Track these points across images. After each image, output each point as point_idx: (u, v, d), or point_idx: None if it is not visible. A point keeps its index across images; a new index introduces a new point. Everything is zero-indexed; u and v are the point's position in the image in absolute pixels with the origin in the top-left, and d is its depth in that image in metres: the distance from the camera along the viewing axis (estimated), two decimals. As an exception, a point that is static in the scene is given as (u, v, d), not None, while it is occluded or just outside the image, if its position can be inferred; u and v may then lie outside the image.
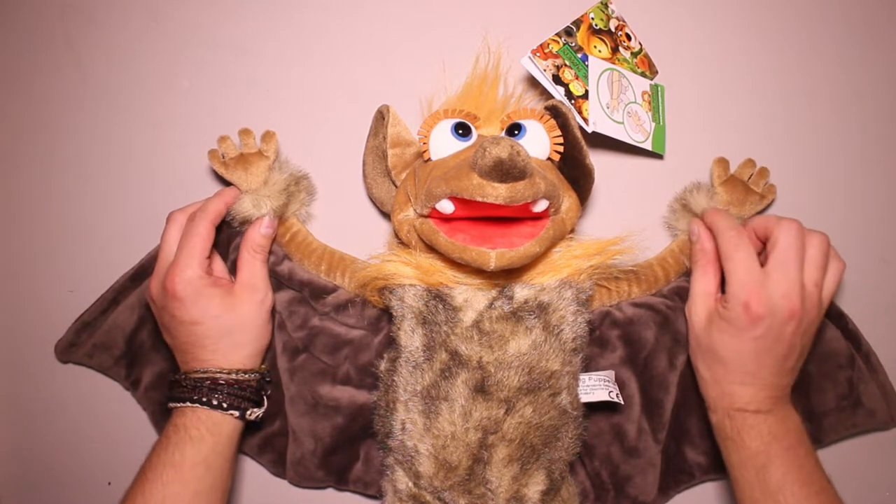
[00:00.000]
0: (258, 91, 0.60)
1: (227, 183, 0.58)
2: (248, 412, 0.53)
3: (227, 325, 0.52)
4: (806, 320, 0.50)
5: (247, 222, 0.56)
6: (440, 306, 0.51)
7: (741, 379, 0.50)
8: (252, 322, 0.54)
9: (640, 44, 0.60)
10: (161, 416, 0.59)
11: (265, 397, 0.56)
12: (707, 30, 0.61)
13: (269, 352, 0.57)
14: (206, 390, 0.51)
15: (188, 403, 0.51)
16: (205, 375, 0.52)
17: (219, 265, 0.56)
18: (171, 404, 0.52)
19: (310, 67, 0.60)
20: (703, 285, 0.54)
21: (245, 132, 0.58)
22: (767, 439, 0.49)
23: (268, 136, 0.58)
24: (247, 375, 0.53)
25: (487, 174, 0.44)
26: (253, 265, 0.55)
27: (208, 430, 0.51)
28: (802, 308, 0.49)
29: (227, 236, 0.58)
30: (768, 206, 0.60)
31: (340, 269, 0.57)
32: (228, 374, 0.52)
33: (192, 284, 0.51)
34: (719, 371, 0.51)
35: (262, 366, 0.56)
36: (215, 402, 0.51)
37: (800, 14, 0.61)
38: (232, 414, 0.52)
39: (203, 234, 0.53)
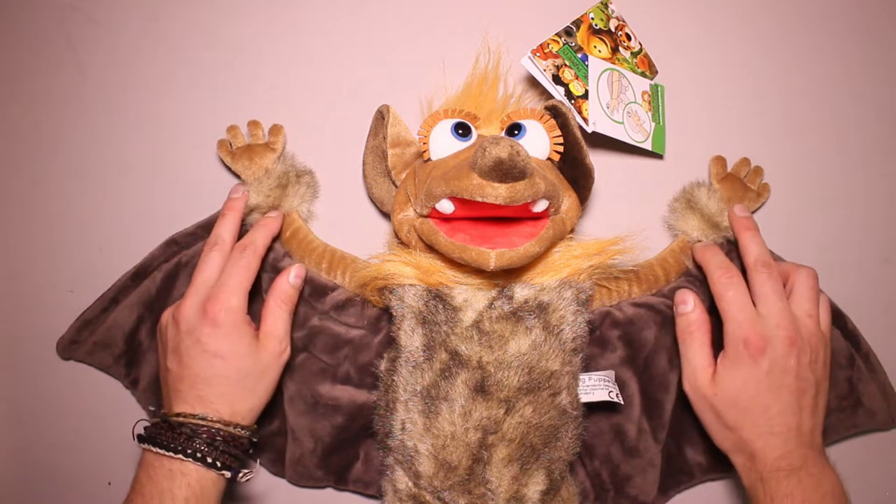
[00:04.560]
0: (258, 91, 0.60)
1: (231, 172, 0.59)
2: (241, 474, 0.49)
3: (246, 368, 0.50)
4: (809, 350, 0.50)
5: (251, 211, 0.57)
6: (440, 306, 0.51)
7: (768, 427, 0.49)
8: (268, 373, 0.51)
9: (640, 44, 0.60)
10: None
11: (251, 459, 0.52)
12: (707, 30, 0.61)
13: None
14: (201, 443, 0.47)
15: (179, 455, 0.46)
16: (203, 423, 0.48)
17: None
18: (155, 448, 0.47)
19: (310, 67, 0.60)
20: (703, 358, 0.51)
21: (254, 123, 0.59)
22: None
23: (276, 128, 0.59)
24: (243, 431, 0.50)
25: (487, 174, 0.44)
26: (279, 315, 0.52)
27: (190, 487, 0.46)
28: (799, 336, 0.49)
29: None
30: (763, 203, 0.60)
31: (341, 268, 0.57)
32: (227, 426, 0.48)
33: (233, 314, 0.49)
34: (745, 425, 0.49)
35: (255, 425, 0.52)
36: (210, 460, 0.47)
37: (800, 14, 0.61)
38: (224, 474, 0.48)
39: (253, 268, 0.52)
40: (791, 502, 0.47)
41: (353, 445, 0.58)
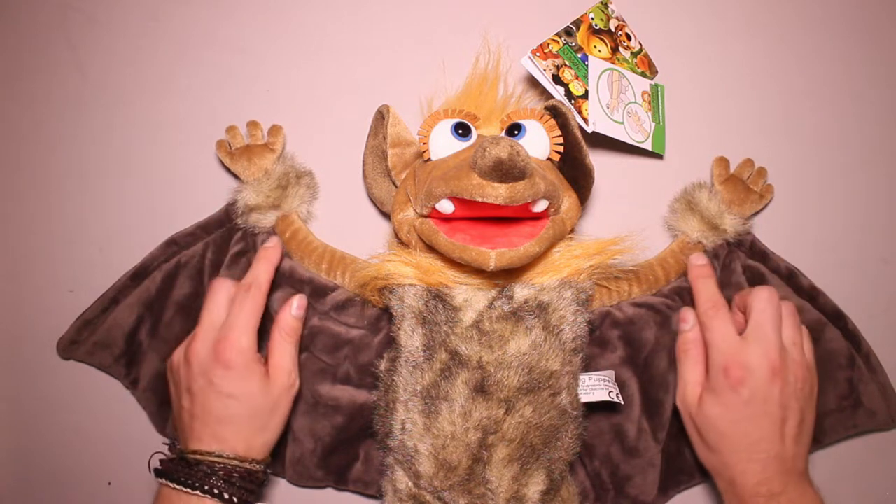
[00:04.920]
0: (258, 91, 0.60)
1: (230, 173, 0.59)
2: None
3: (259, 405, 0.51)
4: (793, 379, 0.50)
5: (251, 212, 0.57)
6: (440, 306, 0.51)
7: (747, 454, 0.49)
8: (279, 407, 0.52)
9: (640, 44, 0.60)
10: (160, 416, 0.59)
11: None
12: (707, 30, 0.61)
13: None
14: (219, 480, 0.48)
15: (197, 492, 0.47)
16: (220, 461, 0.49)
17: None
18: (172, 484, 0.48)
19: (310, 67, 0.60)
20: (694, 375, 0.53)
21: (253, 124, 0.59)
22: None
23: (275, 129, 0.59)
24: (259, 466, 0.51)
25: (487, 174, 0.44)
26: (285, 349, 0.53)
27: None
28: (783, 365, 0.49)
29: (227, 231, 0.58)
30: (766, 205, 0.60)
31: (341, 269, 0.57)
32: (242, 462, 0.50)
33: (244, 355, 0.50)
34: (724, 449, 0.50)
35: (269, 457, 0.53)
36: (227, 496, 0.48)
37: (800, 14, 0.61)
38: None
39: (260, 305, 0.52)
40: None
41: (353, 445, 0.58)
